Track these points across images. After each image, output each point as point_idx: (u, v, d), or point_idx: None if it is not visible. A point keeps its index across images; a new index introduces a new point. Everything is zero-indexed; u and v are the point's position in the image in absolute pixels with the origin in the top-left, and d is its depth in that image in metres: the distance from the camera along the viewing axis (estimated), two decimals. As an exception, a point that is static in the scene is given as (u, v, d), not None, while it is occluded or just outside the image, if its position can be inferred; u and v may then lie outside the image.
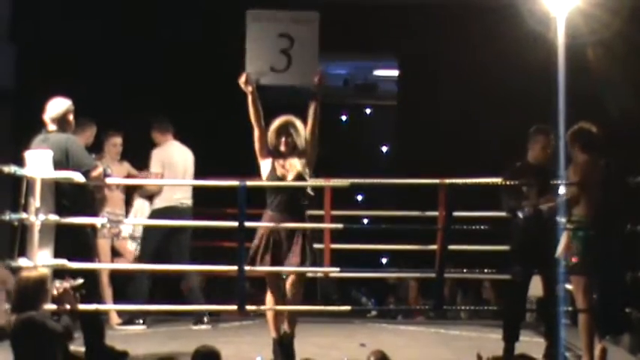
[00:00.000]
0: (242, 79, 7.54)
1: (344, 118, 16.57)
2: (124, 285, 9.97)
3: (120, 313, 9.85)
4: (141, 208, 10.22)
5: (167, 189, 9.74)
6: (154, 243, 9.70)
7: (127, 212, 10.05)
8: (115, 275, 9.92)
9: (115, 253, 10.06)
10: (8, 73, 12.66)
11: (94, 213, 8.41)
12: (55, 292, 6.48)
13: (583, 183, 7.51)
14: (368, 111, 16.25)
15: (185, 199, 9.78)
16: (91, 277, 7.48)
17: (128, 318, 9.72)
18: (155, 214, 9.75)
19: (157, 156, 9.85)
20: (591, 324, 7.51)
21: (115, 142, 9.93)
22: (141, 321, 9.69)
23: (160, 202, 9.76)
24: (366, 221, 11.78)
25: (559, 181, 7.74)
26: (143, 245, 9.83)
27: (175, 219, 9.55)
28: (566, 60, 8.48)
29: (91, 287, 7.28)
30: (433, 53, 12.98)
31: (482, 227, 8.45)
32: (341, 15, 12.94)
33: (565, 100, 8.11)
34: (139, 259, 9.79)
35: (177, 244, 9.71)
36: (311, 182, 7.62)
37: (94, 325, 7.49)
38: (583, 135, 7.62)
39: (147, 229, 9.83)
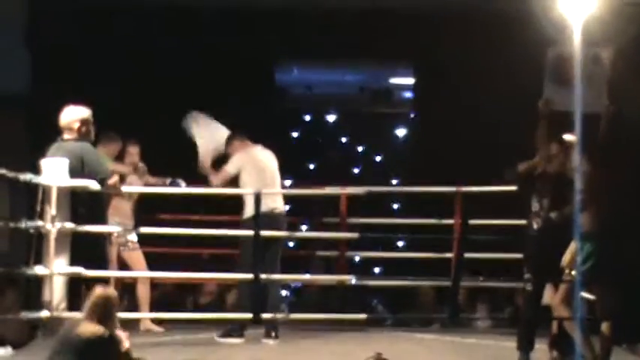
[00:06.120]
0: (542, 103, 7.85)
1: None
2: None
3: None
4: None
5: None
6: (250, 253, 9.05)
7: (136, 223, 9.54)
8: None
9: (123, 264, 9.71)
10: (23, 79, 12.67)
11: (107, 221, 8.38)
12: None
13: (585, 192, 7.47)
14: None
15: (277, 206, 9.21)
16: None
17: (226, 330, 9.07)
18: (247, 223, 9.14)
19: (238, 158, 9.17)
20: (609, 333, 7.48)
21: (132, 152, 9.81)
22: (241, 333, 9.06)
23: (249, 211, 9.09)
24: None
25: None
26: (241, 256, 9.27)
27: (269, 227, 8.96)
28: (583, 67, 8.44)
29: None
30: (449, 61, 12.94)
31: (489, 237, 8.44)
32: (356, 22, 12.94)
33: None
34: (238, 269, 9.20)
35: (271, 253, 9.13)
36: (327, 190, 7.60)
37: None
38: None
39: (242, 240, 9.25)
